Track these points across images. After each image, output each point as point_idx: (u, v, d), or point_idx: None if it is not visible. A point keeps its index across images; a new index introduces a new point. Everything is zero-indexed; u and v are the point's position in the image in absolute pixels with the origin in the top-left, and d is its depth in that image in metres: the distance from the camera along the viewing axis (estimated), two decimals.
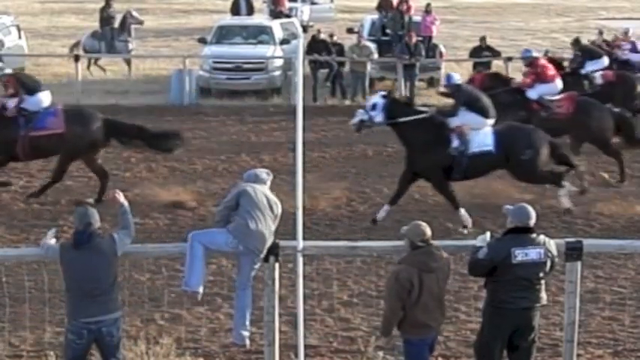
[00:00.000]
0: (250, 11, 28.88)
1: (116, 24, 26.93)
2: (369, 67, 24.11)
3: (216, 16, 33.88)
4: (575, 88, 18.68)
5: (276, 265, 9.01)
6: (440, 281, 8.24)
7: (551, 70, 17.02)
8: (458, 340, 10.00)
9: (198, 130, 20.20)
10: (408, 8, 26.78)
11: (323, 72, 24.70)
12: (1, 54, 24.89)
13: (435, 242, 8.39)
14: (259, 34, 25.68)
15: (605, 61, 20.58)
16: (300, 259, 8.85)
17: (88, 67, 26.12)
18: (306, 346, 9.12)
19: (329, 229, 13.66)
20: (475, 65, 24.55)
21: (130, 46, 26.76)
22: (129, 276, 10.90)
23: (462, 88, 14.46)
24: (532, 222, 8.27)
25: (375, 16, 27.93)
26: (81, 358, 8.34)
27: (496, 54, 25.20)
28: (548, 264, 8.25)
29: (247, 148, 18.61)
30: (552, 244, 8.33)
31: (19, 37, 27.54)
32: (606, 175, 16.08)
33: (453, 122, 13.75)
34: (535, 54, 18.04)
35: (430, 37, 26.43)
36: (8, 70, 16.90)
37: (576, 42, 21.81)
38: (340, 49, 24.56)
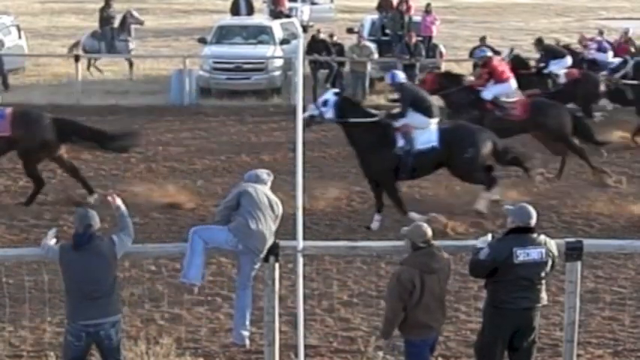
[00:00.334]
0: (250, 11, 28.87)
1: (116, 24, 26.93)
2: (369, 67, 24.09)
3: (216, 16, 33.86)
4: (539, 87, 18.85)
5: (276, 265, 9.00)
6: (441, 282, 8.25)
7: (505, 71, 16.97)
8: (458, 340, 9.99)
9: (198, 130, 20.22)
10: (408, 8, 26.76)
11: (323, 72, 24.67)
12: (1, 54, 24.92)
13: (436, 242, 8.40)
14: (259, 34, 25.66)
15: (569, 60, 20.70)
16: (300, 259, 8.85)
17: (88, 67, 26.13)
18: (306, 346, 9.11)
19: (329, 229, 13.65)
20: (475, 65, 24.51)
21: (131, 46, 26.76)
22: (129, 276, 10.91)
23: (406, 86, 14.36)
24: (533, 222, 8.26)
25: (375, 16, 27.91)
26: (80, 359, 8.33)
27: (496, 54, 25.15)
28: (549, 264, 8.25)
29: (247, 148, 18.61)
30: (553, 244, 8.33)
31: (19, 37, 27.52)
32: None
33: (398, 122, 13.77)
34: (489, 54, 18.14)
35: (430, 37, 26.41)
36: None
37: (539, 42, 21.80)
38: (340, 49, 24.56)
